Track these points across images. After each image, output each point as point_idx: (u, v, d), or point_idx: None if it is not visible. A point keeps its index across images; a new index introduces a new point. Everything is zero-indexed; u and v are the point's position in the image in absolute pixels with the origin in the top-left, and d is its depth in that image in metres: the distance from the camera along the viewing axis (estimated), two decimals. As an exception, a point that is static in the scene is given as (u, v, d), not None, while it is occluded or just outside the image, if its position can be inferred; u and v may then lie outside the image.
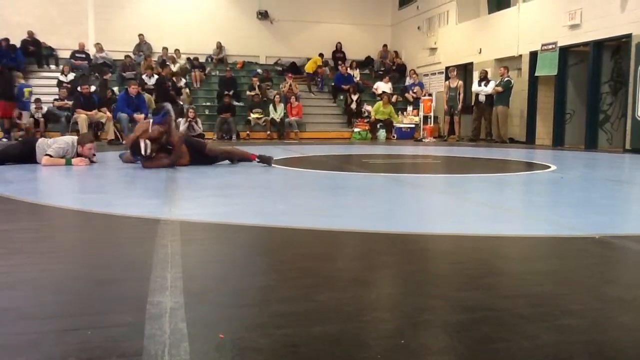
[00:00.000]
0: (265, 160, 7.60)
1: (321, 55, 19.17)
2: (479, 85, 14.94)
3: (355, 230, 3.46)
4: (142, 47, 18.52)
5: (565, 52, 13.21)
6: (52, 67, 17.68)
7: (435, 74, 18.23)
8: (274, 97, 16.28)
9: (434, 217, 4.19)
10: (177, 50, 18.12)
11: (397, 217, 4.03)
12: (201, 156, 7.39)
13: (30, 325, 1.85)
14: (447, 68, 17.19)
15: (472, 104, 15.49)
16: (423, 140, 15.93)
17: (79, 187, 5.97)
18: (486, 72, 15.01)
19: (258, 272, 2.56)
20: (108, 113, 13.65)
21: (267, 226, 3.56)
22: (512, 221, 3.96)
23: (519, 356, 1.65)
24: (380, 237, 3.30)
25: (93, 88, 15.06)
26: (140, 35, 18.50)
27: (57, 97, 15.25)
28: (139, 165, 7.15)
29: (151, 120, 7.44)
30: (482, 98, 14.89)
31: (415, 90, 17.69)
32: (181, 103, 15.14)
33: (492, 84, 14.72)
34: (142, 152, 6.84)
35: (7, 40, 16.43)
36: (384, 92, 17.40)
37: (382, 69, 19.88)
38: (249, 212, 4.15)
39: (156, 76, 16.46)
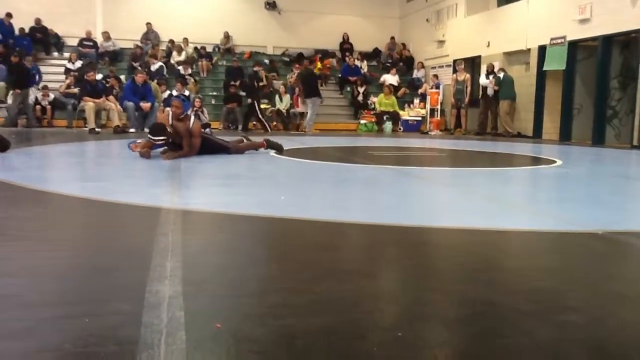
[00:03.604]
0: (275, 147, 7.64)
1: (320, 58, 18.98)
2: (487, 78, 14.88)
3: (358, 222, 3.46)
4: (150, 35, 18.50)
5: (574, 47, 13.11)
6: (63, 54, 17.62)
7: (442, 66, 18.14)
8: (279, 87, 16.25)
9: (438, 210, 4.17)
10: (185, 39, 18.10)
11: (400, 209, 4.02)
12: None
13: (28, 312, 1.85)
14: (454, 61, 17.11)
15: (479, 97, 15.42)
16: (429, 133, 15.87)
17: (83, 175, 5.98)
18: (493, 66, 14.95)
19: (258, 262, 2.56)
20: (115, 104, 13.55)
21: (270, 217, 3.55)
22: (516, 216, 3.94)
23: (518, 351, 1.64)
24: (383, 230, 3.29)
25: (100, 76, 15.05)
26: (148, 24, 18.46)
27: (66, 86, 15.24)
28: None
29: (193, 116, 7.36)
30: (490, 91, 14.85)
31: (425, 90, 17.49)
32: (187, 92, 15.13)
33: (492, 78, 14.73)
34: (161, 137, 6.70)
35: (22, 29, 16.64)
36: (390, 83, 17.32)
37: (390, 61, 19.79)
38: (252, 202, 4.15)
39: (160, 63, 16.48)
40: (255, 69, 16.02)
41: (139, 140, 7.54)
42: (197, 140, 7.05)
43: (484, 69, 15.37)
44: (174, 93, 14.75)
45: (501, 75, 14.59)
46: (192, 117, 7.27)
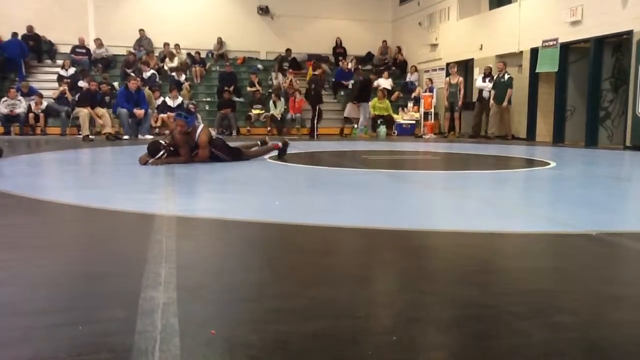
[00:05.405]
0: (282, 151, 7.92)
1: (315, 64, 18.89)
2: (484, 81, 14.87)
3: (352, 227, 3.45)
4: (143, 42, 18.47)
5: (566, 49, 13.16)
6: (56, 61, 17.54)
7: (436, 70, 18.18)
8: (272, 93, 16.24)
9: (432, 213, 4.18)
10: (177, 45, 18.08)
11: (394, 213, 4.02)
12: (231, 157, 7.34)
13: (22, 320, 1.84)
14: (447, 64, 17.15)
15: (475, 100, 15.42)
16: (423, 136, 15.89)
17: (77, 182, 5.96)
18: (490, 69, 14.96)
19: (252, 268, 2.55)
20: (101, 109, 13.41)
21: (264, 222, 3.55)
22: (510, 218, 3.95)
23: (511, 353, 1.65)
24: (377, 234, 3.29)
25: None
26: (141, 30, 18.44)
27: (59, 92, 15.17)
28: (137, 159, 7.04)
29: (200, 127, 7.19)
30: (485, 94, 14.84)
31: (419, 93, 17.46)
32: (180, 99, 15.10)
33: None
34: (159, 155, 6.80)
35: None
36: (384, 87, 17.33)
37: (384, 64, 19.83)
38: (246, 207, 4.15)
39: (153, 71, 16.40)
40: (317, 72, 15.83)
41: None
42: (204, 152, 7.04)
43: (477, 72, 15.38)
44: (167, 100, 14.73)
45: (510, 76, 14.42)
46: (199, 128, 7.12)
